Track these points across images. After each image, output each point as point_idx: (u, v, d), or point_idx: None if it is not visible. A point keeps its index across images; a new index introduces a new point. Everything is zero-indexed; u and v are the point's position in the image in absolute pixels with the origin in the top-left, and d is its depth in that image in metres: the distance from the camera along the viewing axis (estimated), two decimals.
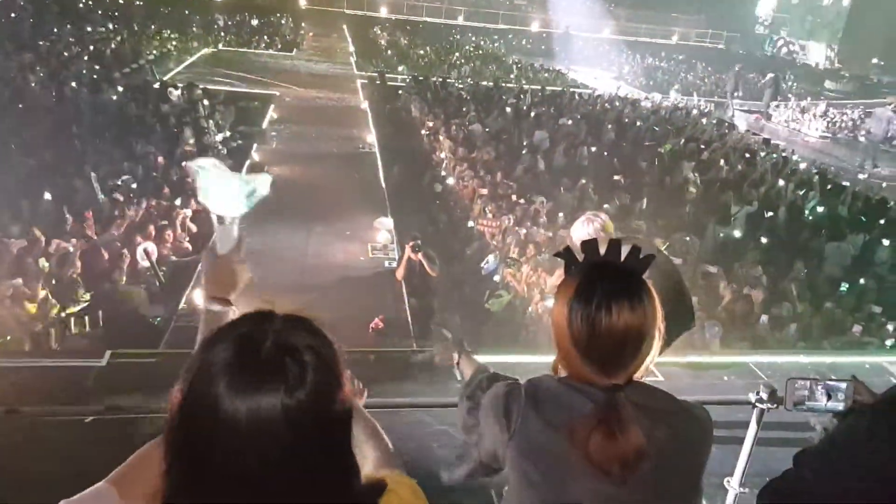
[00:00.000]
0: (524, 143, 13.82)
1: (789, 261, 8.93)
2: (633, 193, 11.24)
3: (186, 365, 0.96)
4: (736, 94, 22.92)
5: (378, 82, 20.81)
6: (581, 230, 4.06)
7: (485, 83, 21.03)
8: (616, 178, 12.08)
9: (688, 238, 9.23)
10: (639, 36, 39.26)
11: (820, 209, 11.35)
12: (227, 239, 1.49)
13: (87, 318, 6.37)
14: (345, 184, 11.67)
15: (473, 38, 35.17)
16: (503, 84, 20.95)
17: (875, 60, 33.96)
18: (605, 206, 10.66)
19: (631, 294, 1.34)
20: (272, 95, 18.55)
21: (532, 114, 16.11)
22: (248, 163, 12.11)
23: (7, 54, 17.01)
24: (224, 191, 1.44)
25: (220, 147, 12.57)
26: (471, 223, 9.74)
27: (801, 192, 12.10)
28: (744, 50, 37.60)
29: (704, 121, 18.26)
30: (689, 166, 12.86)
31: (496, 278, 8.09)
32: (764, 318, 7.07)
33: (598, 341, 1.34)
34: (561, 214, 9.71)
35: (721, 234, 9.83)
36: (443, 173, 12.10)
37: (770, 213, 10.84)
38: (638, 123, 16.39)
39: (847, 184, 13.55)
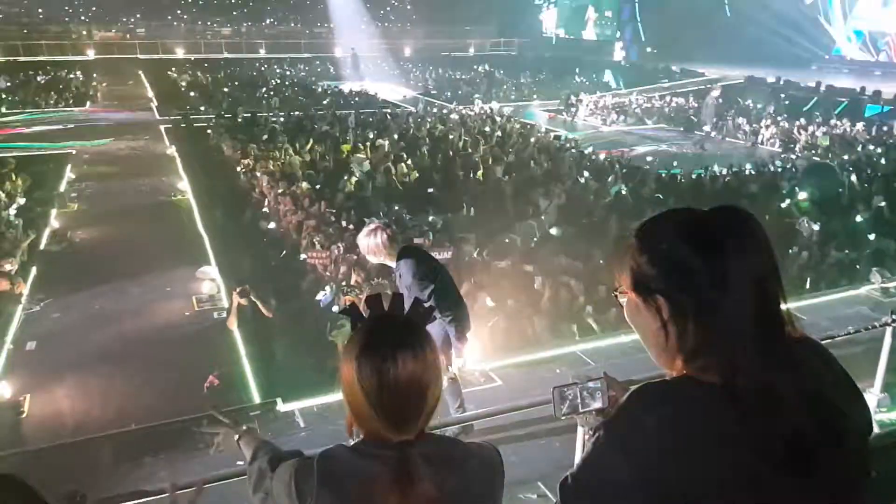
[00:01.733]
0: (344, 169, 13.96)
1: (600, 245, 9.67)
2: (454, 204, 11.75)
3: None
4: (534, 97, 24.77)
5: (183, 125, 19.99)
6: (364, 241, 4.44)
7: (296, 113, 20.92)
8: (430, 190, 12.58)
9: (507, 240, 9.81)
10: (439, 51, 40.99)
11: (623, 192, 12.51)
12: None
13: None
14: (159, 237, 11.06)
15: (278, 70, 34.86)
16: (315, 111, 20.99)
17: (648, 49, 38.09)
18: (430, 218, 11.10)
19: (416, 343, 1.39)
20: (68, 154, 17.18)
21: (347, 138, 16.31)
22: (47, 231, 11.13)
23: None
24: None
25: (13, 219, 11.43)
26: (302, 256, 9.66)
27: (604, 181, 13.32)
28: (534, 54, 40.52)
29: (508, 126, 19.45)
30: (500, 169, 13.70)
31: (335, 308, 8.09)
32: (588, 308, 7.56)
33: (387, 393, 1.36)
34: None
35: (536, 232, 10.52)
36: (265, 210, 11.89)
37: (576, 204, 11.78)
38: (451, 136, 17.14)
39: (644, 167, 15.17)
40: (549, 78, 34.09)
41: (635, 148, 19.33)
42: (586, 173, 13.94)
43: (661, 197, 12.30)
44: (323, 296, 8.40)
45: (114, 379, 6.64)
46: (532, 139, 17.59)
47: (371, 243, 4.38)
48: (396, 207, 11.47)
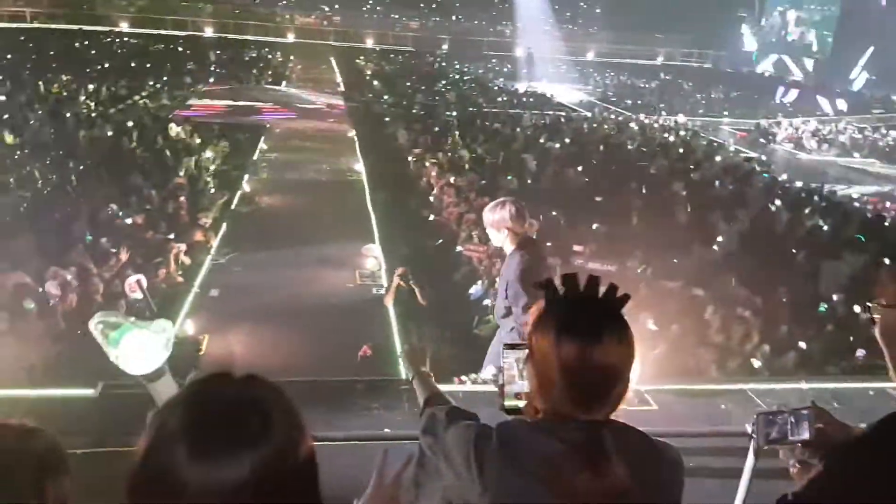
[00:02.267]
0: (511, 167, 13.96)
1: (785, 281, 8.83)
2: (621, 215, 11.31)
3: (141, 440, 0.92)
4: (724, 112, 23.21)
5: (364, 111, 21.05)
6: (490, 214, 3.99)
7: (471, 108, 21.27)
8: (598, 199, 12.20)
9: (675, 260, 9.27)
10: (623, 57, 39.87)
11: (818, 227, 11.37)
12: (170, 389, 1.44)
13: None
14: (333, 211, 11.73)
15: (458, 66, 35.65)
16: (489, 109, 21.21)
17: (865, 75, 34.31)
18: (595, 226, 10.77)
19: (619, 329, 1.37)
20: (263, 127, 18.74)
21: (519, 138, 16.29)
22: (239, 193, 12.20)
23: (8, 93, 17.25)
24: (146, 352, 1.40)
25: (210, 180, 12.67)
26: (458, 248, 9.78)
27: (798, 212, 12.14)
28: (731, 68, 38.14)
29: (693, 141, 18.47)
30: (680, 186, 12.97)
31: (486, 303, 8.10)
32: (765, 347, 6.90)
33: (588, 374, 1.33)
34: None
35: (710, 256, 9.85)
36: (430, 199, 12.18)
37: (762, 233, 10.87)
38: (627, 145, 16.57)
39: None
40: (744, 95, 31.89)
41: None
42: (777, 202, 12.82)
43: (862, 239, 11.00)
44: (475, 289, 8.43)
45: (281, 333, 7.14)
46: (718, 158, 16.54)
47: (496, 217, 3.92)
48: (559, 212, 11.24)
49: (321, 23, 41.85)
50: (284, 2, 42.58)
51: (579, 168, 13.87)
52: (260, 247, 9.66)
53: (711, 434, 4.42)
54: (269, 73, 29.11)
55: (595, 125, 19.50)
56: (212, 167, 13.86)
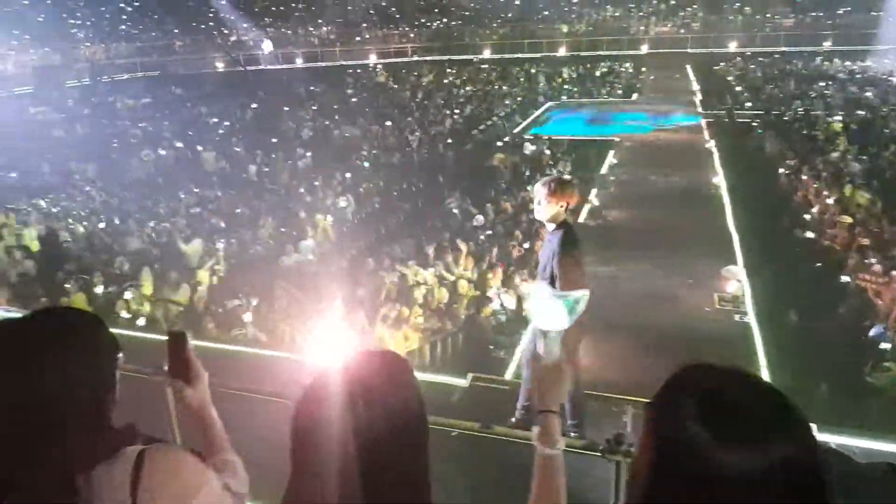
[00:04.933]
0: None
1: None
2: None
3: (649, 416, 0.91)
4: None
5: (726, 120, 19.52)
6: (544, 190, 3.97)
7: (860, 112, 18.18)
8: None
9: None
10: None
11: None
12: (553, 348, 1.41)
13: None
14: (688, 228, 11.00)
15: (844, 64, 30.90)
16: (889, 110, 17.85)
17: None
18: None
19: None
20: (611, 141, 18.69)
21: None
22: (586, 207, 12.24)
23: (393, 117, 20.37)
24: (551, 313, 1.37)
25: None
26: (845, 277, 8.27)
27: None
28: None
29: None
30: None
31: (883, 346, 6.67)
32: None
33: None
34: None
35: None
36: (806, 217, 10.62)
37: None
38: None
39: None
40: None
41: None
42: None
43: None
44: (876, 330, 7.02)
45: (627, 351, 6.83)
46: None
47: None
48: None
49: (678, 30, 40.33)
50: (642, 13, 42.20)
51: None
52: (607, 261, 9.46)
53: None
54: (620, 85, 29.05)
55: None
56: None
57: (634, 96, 27.76)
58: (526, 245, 9.74)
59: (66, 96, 24.40)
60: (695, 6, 42.19)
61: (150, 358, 3.18)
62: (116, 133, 20.02)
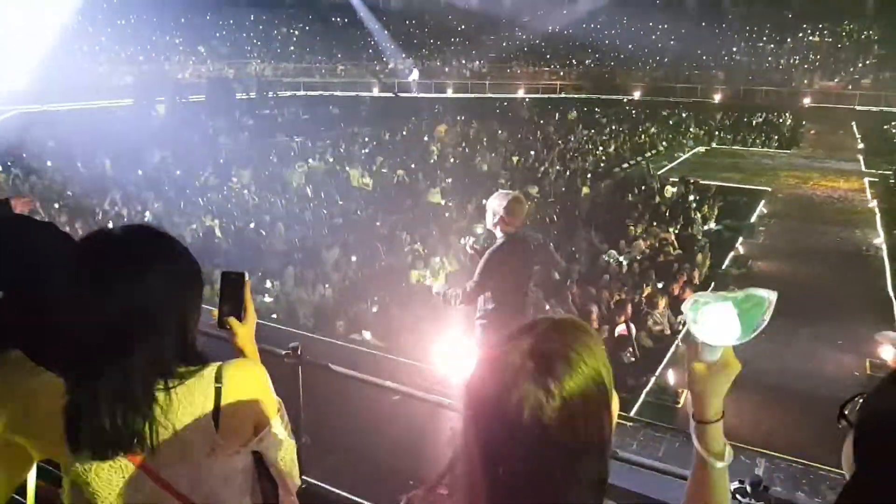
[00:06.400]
0: None
1: None
2: None
3: None
4: None
5: (892, 181, 17.93)
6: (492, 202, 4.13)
7: None
8: None
9: None
10: None
11: None
12: (712, 353, 1.28)
13: None
14: (841, 287, 10.17)
15: None
16: None
17: None
18: None
19: None
20: (763, 191, 17.77)
21: None
22: (731, 254, 11.68)
23: (536, 152, 20.60)
24: (724, 326, 1.24)
25: (701, 238, 12.46)
26: None
27: None
28: None
29: None
30: None
31: None
32: None
33: None
34: None
35: None
36: None
37: None
38: None
39: None
40: None
41: None
42: None
43: None
44: None
45: (754, 402, 6.42)
46: None
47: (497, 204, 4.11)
48: None
49: (846, 86, 37.60)
50: (806, 66, 39.77)
51: None
52: None
53: None
54: (777, 137, 27.52)
55: None
56: (705, 226, 13.68)
57: (793, 149, 26.20)
58: (660, 285, 9.43)
59: (234, 107, 26.62)
60: (868, 62, 39.21)
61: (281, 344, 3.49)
62: (275, 144, 21.63)
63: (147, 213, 12.30)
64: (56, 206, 12.15)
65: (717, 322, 1.21)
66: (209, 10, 41.04)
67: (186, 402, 1.27)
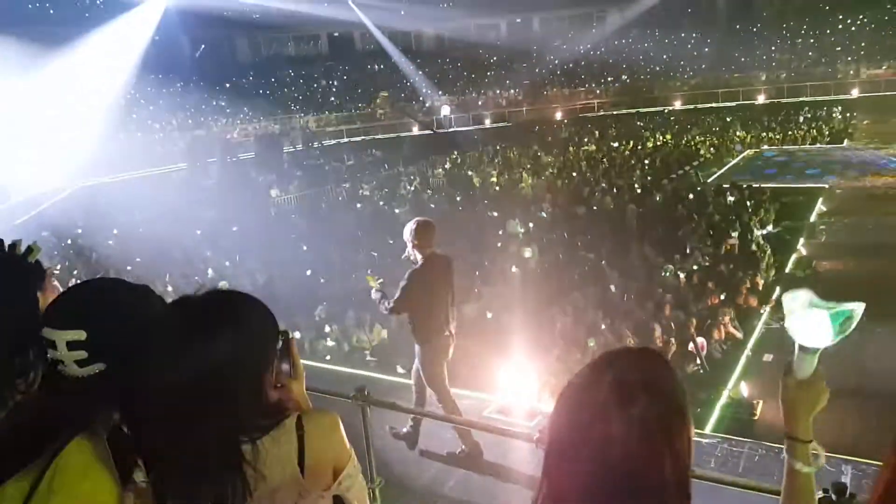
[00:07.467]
0: None
1: None
2: None
3: None
4: None
5: None
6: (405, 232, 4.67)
7: None
8: None
9: None
10: None
11: None
12: (807, 366, 1.30)
13: None
14: None
15: None
16: None
17: None
18: None
19: None
20: (820, 188, 17.22)
21: None
22: (794, 257, 11.33)
23: (580, 172, 20.47)
24: (812, 326, 1.27)
25: (763, 243, 12.11)
26: None
27: None
28: None
29: None
30: None
31: None
32: None
33: None
34: None
35: None
36: None
37: None
38: None
39: None
40: None
41: None
42: None
43: None
44: None
45: (831, 408, 6.10)
46: None
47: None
48: None
49: (895, 73, 36.22)
50: (850, 57, 38.49)
51: None
52: None
53: None
54: (827, 132, 26.70)
55: None
56: (763, 230, 13.32)
57: (845, 142, 25.34)
58: (723, 295, 9.19)
59: (282, 161, 27.43)
60: None
61: (340, 387, 3.56)
62: (324, 192, 22.14)
63: (209, 271, 12.70)
64: (128, 268, 12.68)
65: (812, 327, 1.24)
66: (251, 71, 42.83)
67: (273, 452, 1.33)
